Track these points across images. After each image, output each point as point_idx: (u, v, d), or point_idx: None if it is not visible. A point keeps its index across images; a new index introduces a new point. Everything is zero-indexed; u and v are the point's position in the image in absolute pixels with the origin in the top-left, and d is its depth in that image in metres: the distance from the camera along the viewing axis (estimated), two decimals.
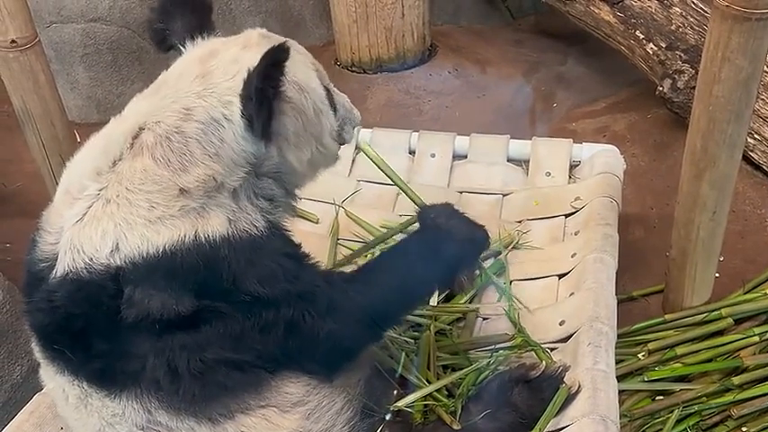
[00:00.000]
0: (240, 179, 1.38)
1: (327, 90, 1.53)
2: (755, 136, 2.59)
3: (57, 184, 1.47)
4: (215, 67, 1.39)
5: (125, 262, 1.31)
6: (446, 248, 1.57)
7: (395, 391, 1.70)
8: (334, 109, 1.54)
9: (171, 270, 1.31)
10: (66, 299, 1.33)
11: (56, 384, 1.44)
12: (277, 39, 1.45)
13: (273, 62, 1.29)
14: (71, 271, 1.33)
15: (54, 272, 1.35)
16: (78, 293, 1.32)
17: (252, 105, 1.32)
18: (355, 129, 1.64)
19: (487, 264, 2.08)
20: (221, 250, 1.33)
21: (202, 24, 1.49)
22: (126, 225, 1.32)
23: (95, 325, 1.33)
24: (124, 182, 1.34)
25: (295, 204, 1.55)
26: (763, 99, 2.57)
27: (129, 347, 1.34)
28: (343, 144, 1.63)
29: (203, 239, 1.32)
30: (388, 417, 1.62)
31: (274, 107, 1.35)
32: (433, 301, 1.94)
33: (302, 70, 1.46)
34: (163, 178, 1.33)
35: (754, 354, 2.03)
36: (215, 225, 1.34)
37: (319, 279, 1.46)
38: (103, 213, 1.33)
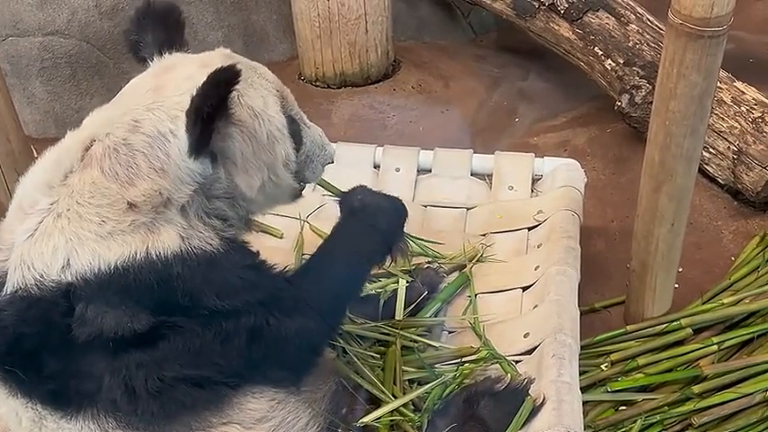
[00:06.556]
0: (188, 196, 1.35)
1: (293, 120, 1.50)
2: (710, 150, 2.66)
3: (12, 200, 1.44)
4: (168, 81, 1.38)
5: (76, 278, 1.28)
6: (377, 224, 1.61)
7: (360, 407, 1.69)
8: (298, 141, 1.51)
9: (124, 287, 1.28)
10: (16, 317, 1.29)
11: (8, 408, 1.39)
12: (240, 59, 1.44)
13: (216, 82, 1.27)
14: (20, 288, 1.29)
15: (4, 289, 1.31)
16: (29, 311, 1.29)
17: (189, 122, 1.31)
18: (324, 167, 1.62)
19: (452, 277, 2.09)
20: (174, 267, 1.31)
21: (173, 39, 1.48)
22: (77, 240, 1.29)
23: (47, 344, 1.29)
24: (75, 195, 1.31)
25: (250, 226, 1.52)
26: (717, 114, 2.64)
27: (84, 367, 1.30)
28: (306, 183, 1.60)
29: (154, 256, 1.30)
30: None
31: (217, 127, 1.32)
32: (399, 315, 1.94)
33: (260, 95, 1.43)
34: (111, 191, 1.31)
35: (713, 363, 2.07)
36: (165, 242, 1.31)
37: (280, 282, 1.46)
38: (54, 228, 1.30)
